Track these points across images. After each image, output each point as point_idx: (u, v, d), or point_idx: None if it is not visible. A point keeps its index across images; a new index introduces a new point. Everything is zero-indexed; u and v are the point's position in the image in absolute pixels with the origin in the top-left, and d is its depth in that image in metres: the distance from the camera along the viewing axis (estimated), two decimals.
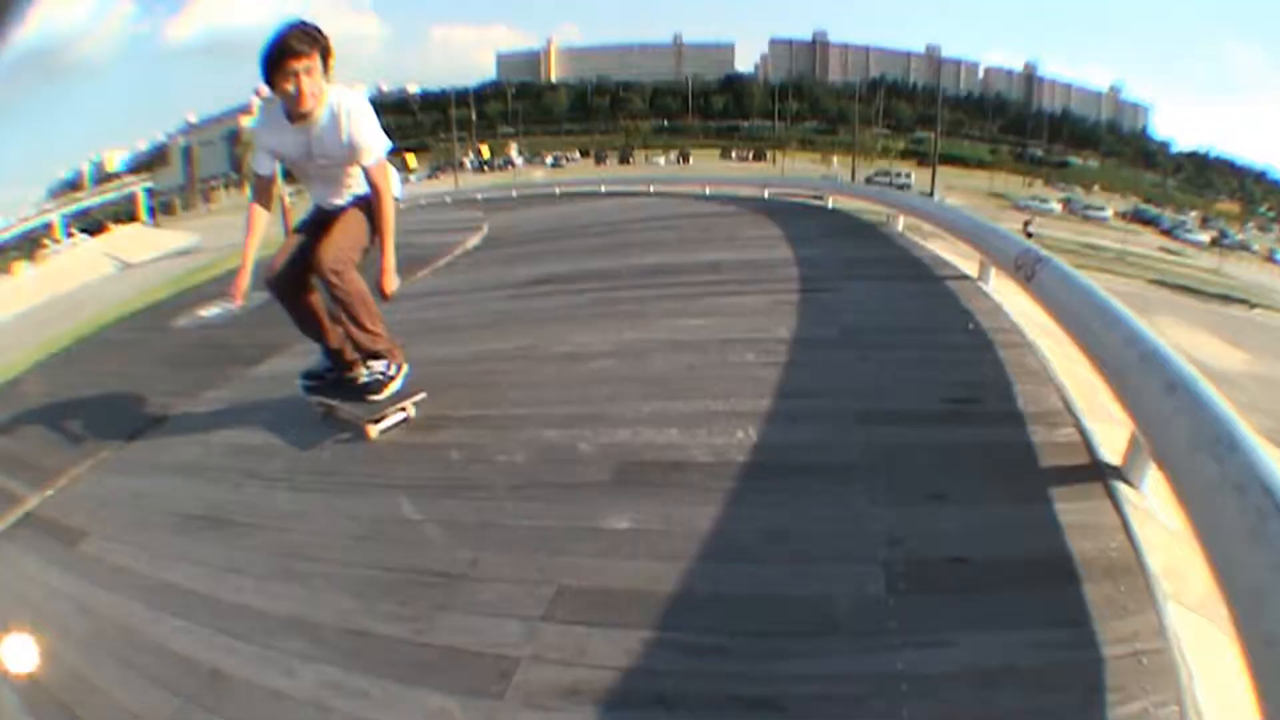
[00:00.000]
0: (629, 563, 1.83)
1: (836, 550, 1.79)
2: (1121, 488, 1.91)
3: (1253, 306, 29.60)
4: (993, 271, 3.92)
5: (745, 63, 77.50)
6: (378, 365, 2.79)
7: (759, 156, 63.39)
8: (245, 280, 2.56)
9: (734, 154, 64.58)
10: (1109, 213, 54.64)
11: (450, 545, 2.06)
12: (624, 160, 61.51)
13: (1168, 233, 47.42)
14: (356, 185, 2.65)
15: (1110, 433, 2.14)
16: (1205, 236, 46.53)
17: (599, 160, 61.35)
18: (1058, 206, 52.01)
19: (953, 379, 2.65)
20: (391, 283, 2.61)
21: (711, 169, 50.36)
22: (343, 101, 2.45)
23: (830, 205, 9.03)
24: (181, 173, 56.36)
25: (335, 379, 2.96)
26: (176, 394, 3.99)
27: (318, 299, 2.75)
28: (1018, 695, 1.35)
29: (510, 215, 12.34)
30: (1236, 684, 1.12)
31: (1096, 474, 1.97)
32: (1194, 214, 53.84)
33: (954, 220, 4.61)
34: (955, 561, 1.70)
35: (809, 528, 1.89)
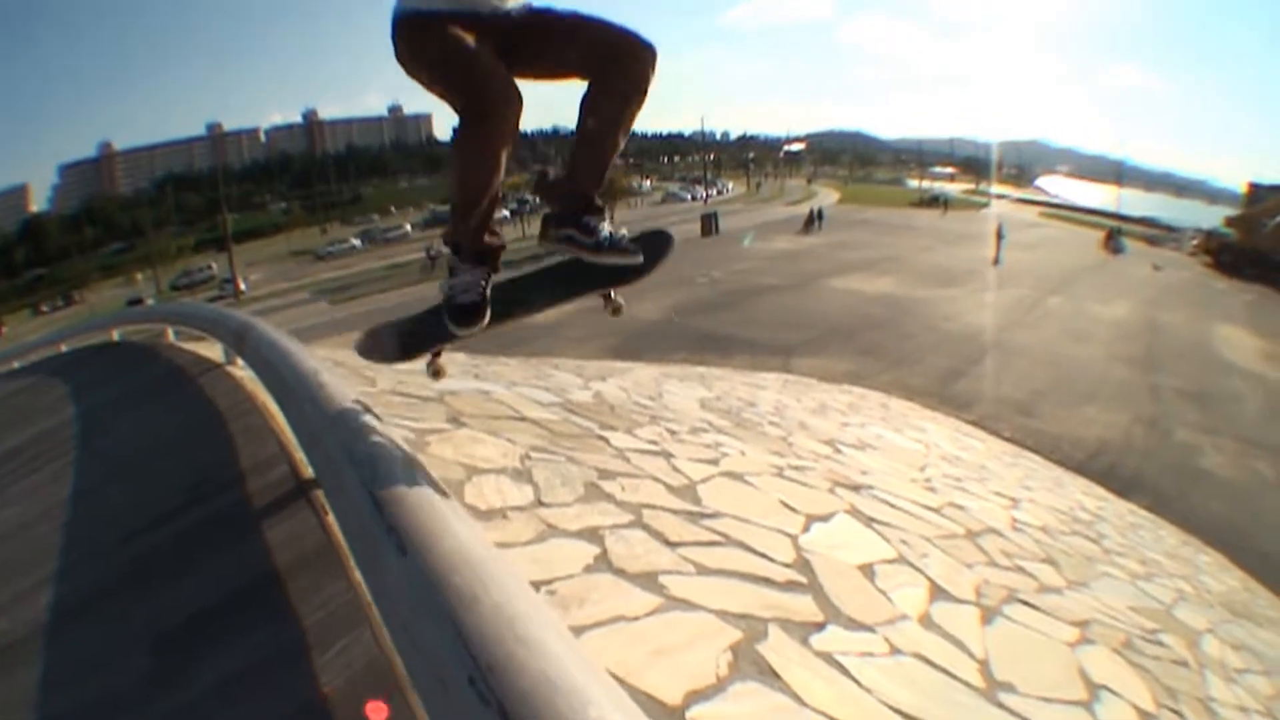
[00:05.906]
0: None
1: (97, 659, 1.99)
2: (320, 492, 2.53)
3: None
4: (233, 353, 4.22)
5: (41, 200, 69.53)
6: None
7: (68, 302, 56.09)
8: None
9: (42, 308, 56.07)
10: (408, 227, 62.66)
11: None
12: None
13: None
14: None
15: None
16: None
17: None
18: (357, 242, 57.18)
19: (195, 468, 2.93)
20: None
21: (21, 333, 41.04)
22: None
23: (117, 338, 8.25)
24: None
25: None
26: None
27: None
28: (252, 692, 1.74)
29: None
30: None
31: (300, 490, 2.54)
32: None
33: (187, 314, 4.78)
34: (190, 620, 2.03)
35: (77, 661, 2.02)
